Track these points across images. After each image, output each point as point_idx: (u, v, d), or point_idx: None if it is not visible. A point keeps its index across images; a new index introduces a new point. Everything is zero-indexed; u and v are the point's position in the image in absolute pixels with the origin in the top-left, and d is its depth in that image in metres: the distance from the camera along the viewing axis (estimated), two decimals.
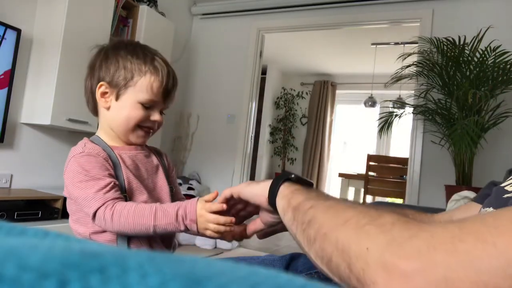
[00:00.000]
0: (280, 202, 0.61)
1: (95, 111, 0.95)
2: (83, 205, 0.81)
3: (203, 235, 0.78)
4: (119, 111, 0.88)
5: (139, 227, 0.77)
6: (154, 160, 0.97)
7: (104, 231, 0.83)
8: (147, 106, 0.88)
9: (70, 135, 2.77)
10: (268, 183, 0.66)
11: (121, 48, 0.91)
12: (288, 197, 0.58)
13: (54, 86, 2.34)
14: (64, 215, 2.32)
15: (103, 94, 0.89)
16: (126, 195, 0.85)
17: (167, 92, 0.90)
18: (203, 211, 0.76)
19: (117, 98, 0.88)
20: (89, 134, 0.96)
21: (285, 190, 0.61)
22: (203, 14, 4.00)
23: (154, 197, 0.91)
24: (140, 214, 0.77)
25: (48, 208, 2.22)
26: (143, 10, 3.02)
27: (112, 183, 0.81)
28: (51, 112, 2.33)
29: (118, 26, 2.93)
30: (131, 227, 0.77)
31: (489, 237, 0.30)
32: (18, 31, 2.31)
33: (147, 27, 3.01)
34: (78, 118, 2.48)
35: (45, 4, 2.46)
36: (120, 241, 0.83)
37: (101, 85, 0.89)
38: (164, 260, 0.15)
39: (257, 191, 0.68)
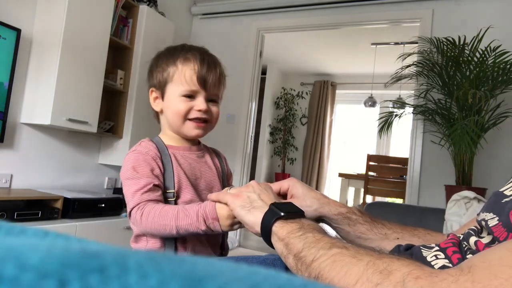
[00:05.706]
0: (276, 244, 0.61)
1: (158, 118, 1.00)
2: (126, 202, 0.84)
3: (230, 230, 0.79)
4: (167, 109, 0.92)
5: (162, 227, 0.78)
6: (208, 160, 0.99)
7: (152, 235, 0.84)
8: (190, 96, 0.90)
9: (70, 135, 2.77)
10: (259, 215, 0.65)
11: (163, 53, 0.96)
12: (285, 241, 0.58)
13: (54, 86, 2.34)
14: (64, 215, 2.32)
15: (155, 99, 0.95)
16: (174, 192, 0.88)
17: (202, 78, 0.89)
18: (221, 205, 0.76)
19: (163, 98, 0.93)
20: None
21: (278, 231, 0.61)
22: (203, 14, 4.00)
23: (203, 197, 0.92)
24: (164, 215, 0.78)
25: (48, 208, 2.22)
26: (143, 10, 3.02)
27: (151, 184, 0.83)
28: (51, 112, 2.33)
29: (118, 26, 2.93)
30: (156, 227, 0.79)
31: None
32: (18, 31, 2.32)
33: (147, 27, 3.01)
34: (78, 118, 2.48)
35: (45, 4, 2.46)
36: (168, 245, 0.85)
37: (151, 92, 0.95)
38: (164, 260, 0.15)
39: (248, 221, 0.68)
